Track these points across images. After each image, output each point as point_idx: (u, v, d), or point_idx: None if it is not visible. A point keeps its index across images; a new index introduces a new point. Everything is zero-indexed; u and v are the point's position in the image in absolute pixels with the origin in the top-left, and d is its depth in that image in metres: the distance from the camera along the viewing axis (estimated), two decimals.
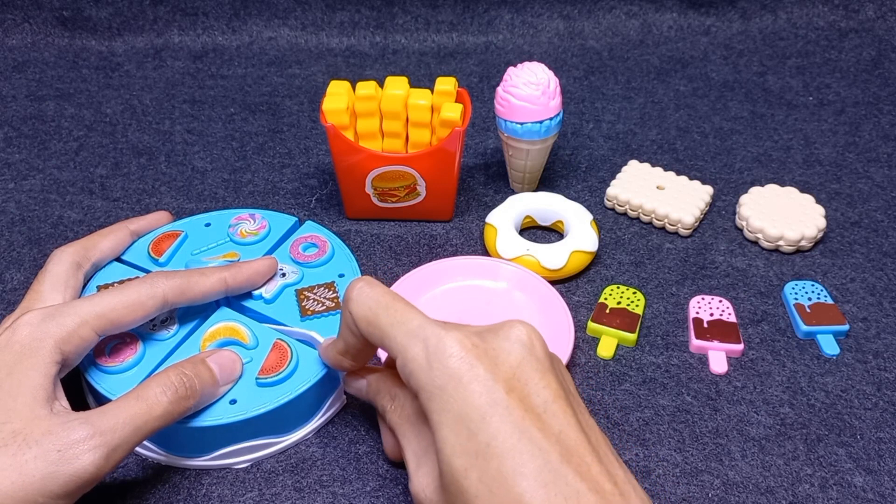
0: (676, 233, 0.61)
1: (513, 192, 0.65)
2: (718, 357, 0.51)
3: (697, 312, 0.53)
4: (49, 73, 0.83)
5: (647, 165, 0.66)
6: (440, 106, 0.58)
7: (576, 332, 0.52)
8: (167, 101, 0.78)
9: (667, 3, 0.90)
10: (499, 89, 0.60)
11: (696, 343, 0.51)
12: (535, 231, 0.62)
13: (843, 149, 0.72)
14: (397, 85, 0.59)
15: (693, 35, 0.89)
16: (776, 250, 0.60)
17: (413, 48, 0.87)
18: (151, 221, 0.53)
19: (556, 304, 0.52)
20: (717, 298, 0.54)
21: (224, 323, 0.46)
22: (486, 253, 0.59)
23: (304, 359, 0.45)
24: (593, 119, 0.76)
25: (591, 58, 0.86)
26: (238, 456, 0.44)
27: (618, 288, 0.55)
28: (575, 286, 0.57)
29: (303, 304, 0.48)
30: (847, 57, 0.86)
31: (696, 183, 0.64)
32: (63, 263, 0.46)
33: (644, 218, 0.62)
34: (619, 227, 0.62)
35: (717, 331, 0.52)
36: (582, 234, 0.57)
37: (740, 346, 0.51)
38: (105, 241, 0.50)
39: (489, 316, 0.53)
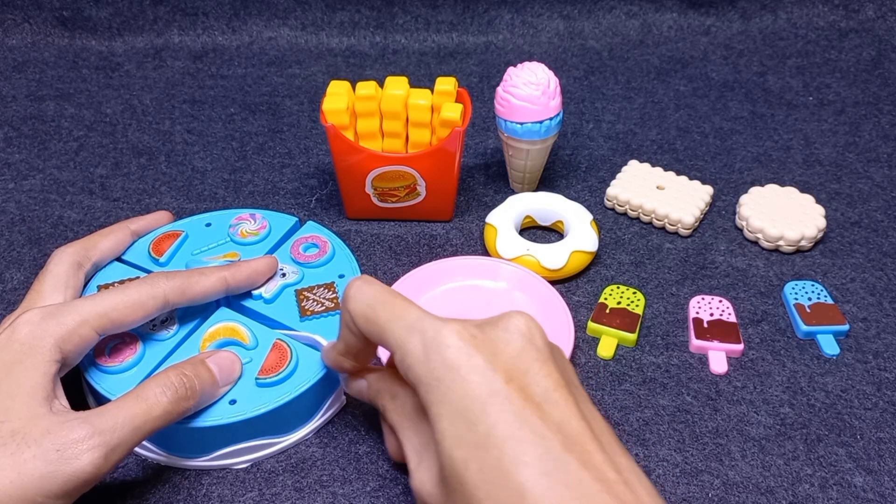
0: (676, 233, 0.61)
1: (513, 192, 0.65)
2: (718, 357, 0.51)
3: (697, 312, 0.53)
4: (49, 73, 0.83)
5: (647, 165, 0.66)
6: (440, 106, 0.58)
7: (576, 332, 0.52)
8: (167, 101, 0.78)
9: (667, 3, 0.90)
10: (499, 89, 0.60)
11: (696, 343, 0.51)
12: (535, 231, 0.62)
13: (843, 149, 0.72)
14: (397, 85, 0.59)
15: (693, 35, 0.89)
16: (776, 250, 0.60)
17: (413, 48, 0.87)
18: (152, 221, 0.54)
19: (556, 305, 0.52)
20: (717, 298, 0.54)
21: (224, 323, 0.46)
22: (486, 253, 0.59)
23: (304, 359, 0.45)
24: (593, 119, 0.76)
25: (591, 58, 0.86)
26: (238, 456, 0.44)
27: (618, 288, 0.55)
28: (575, 286, 0.57)
29: (302, 304, 0.48)
30: (847, 57, 0.86)
31: (696, 183, 0.64)
32: (64, 263, 0.46)
33: (644, 218, 0.62)
34: (619, 227, 0.62)
35: (717, 331, 0.52)
36: (582, 234, 0.57)
37: (740, 346, 0.51)
38: (105, 241, 0.50)
39: (489, 316, 0.53)
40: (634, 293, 0.55)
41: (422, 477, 0.35)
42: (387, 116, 0.60)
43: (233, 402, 0.42)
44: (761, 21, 0.90)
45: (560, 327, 0.51)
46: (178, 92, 0.80)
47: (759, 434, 0.46)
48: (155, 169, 0.68)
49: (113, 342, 0.44)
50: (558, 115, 0.59)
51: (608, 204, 0.64)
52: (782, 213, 0.60)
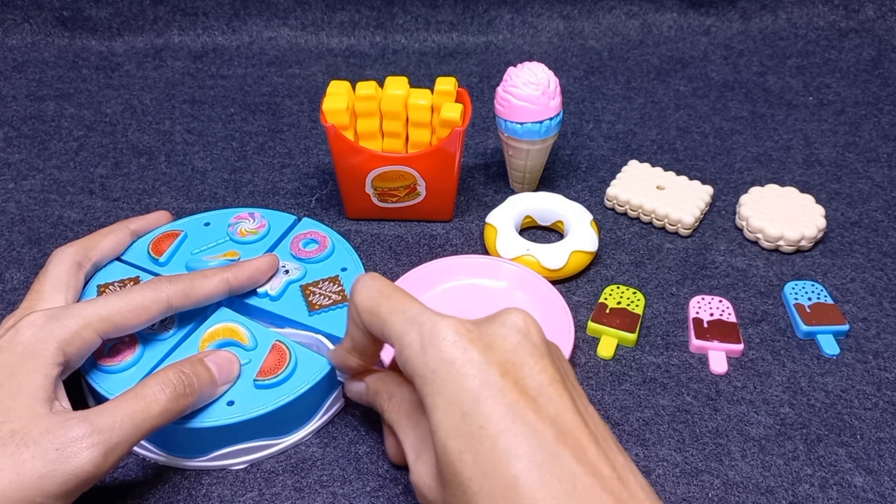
0: (676, 233, 0.61)
1: (513, 192, 0.65)
2: (718, 357, 0.51)
3: (697, 312, 0.53)
4: (49, 73, 0.83)
5: (647, 165, 0.66)
6: (440, 106, 0.58)
7: (576, 332, 0.52)
8: (167, 101, 0.78)
9: (667, 3, 0.90)
10: (499, 89, 0.60)
11: (696, 343, 0.51)
12: (535, 231, 0.62)
13: (843, 149, 0.72)
14: (397, 85, 0.59)
15: (693, 35, 0.89)
16: (776, 250, 0.60)
17: (413, 48, 0.87)
18: (151, 221, 0.54)
19: (556, 304, 0.52)
20: (717, 298, 0.54)
21: (223, 324, 0.46)
22: (485, 253, 0.59)
23: (303, 361, 0.45)
24: (593, 119, 0.76)
25: (591, 58, 0.86)
26: (236, 457, 0.44)
27: (618, 288, 0.55)
28: (575, 286, 0.57)
29: (309, 298, 0.48)
30: (847, 57, 0.86)
31: (696, 183, 0.64)
32: (64, 264, 0.46)
33: (644, 218, 0.62)
34: (619, 227, 0.62)
35: (717, 331, 0.52)
36: (582, 234, 0.57)
37: (740, 346, 0.51)
38: (105, 240, 0.50)
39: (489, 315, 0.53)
40: (634, 293, 0.55)
41: (420, 470, 0.35)
42: (387, 116, 0.60)
43: (231, 403, 0.42)
44: (761, 21, 0.90)
45: (560, 327, 0.51)
46: (178, 92, 0.80)
47: (759, 434, 0.46)
48: (155, 169, 0.68)
49: (112, 342, 0.44)
50: (558, 115, 0.59)
51: (608, 204, 0.64)
52: (782, 213, 0.60)
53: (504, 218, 0.59)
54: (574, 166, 0.69)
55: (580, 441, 0.31)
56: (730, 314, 0.53)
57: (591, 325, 0.53)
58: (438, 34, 0.88)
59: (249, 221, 0.54)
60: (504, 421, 0.31)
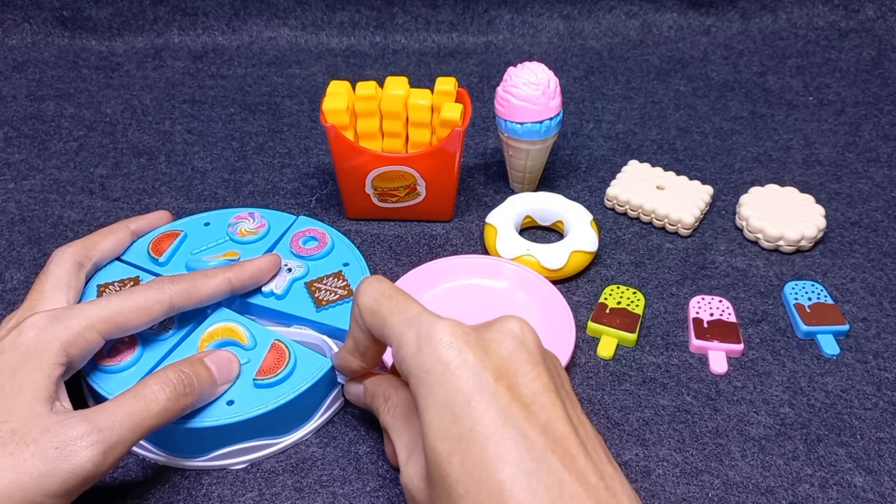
0: (676, 233, 0.61)
1: (513, 192, 0.65)
2: (718, 357, 0.51)
3: (697, 312, 0.53)
4: (49, 73, 0.83)
5: (647, 165, 0.66)
6: (440, 106, 0.58)
7: (576, 332, 0.52)
8: (167, 101, 0.78)
9: (667, 3, 0.90)
10: (499, 89, 0.60)
11: (696, 343, 0.51)
12: (535, 231, 0.62)
13: (843, 149, 0.72)
14: (397, 85, 0.59)
15: (693, 35, 0.89)
16: (776, 250, 0.60)
17: (413, 48, 0.87)
18: (151, 221, 0.54)
19: (557, 304, 0.52)
20: (717, 298, 0.54)
21: (222, 323, 0.46)
22: (486, 253, 0.59)
23: (302, 360, 0.45)
24: (593, 119, 0.76)
25: (591, 58, 0.86)
26: (236, 457, 0.44)
27: (618, 288, 0.55)
28: (575, 286, 0.57)
29: (316, 295, 0.49)
30: (847, 57, 0.86)
31: (696, 183, 0.64)
32: (65, 264, 0.46)
33: (644, 218, 0.62)
34: (619, 227, 0.62)
35: (717, 331, 0.52)
36: (582, 234, 0.57)
37: (740, 346, 0.51)
38: (106, 240, 0.50)
39: (490, 315, 0.53)
40: (634, 293, 0.55)
41: (409, 471, 0.35)
42: (387, 116, 0.60)
43: (230, 402, 0.42)
44: (761, 21, 0.90)
45: (561, 327, 0.51)
46: (178, 92, 0.80)
47: (759, 434, 0.46)
48: (155, 169, 0.68)
49: (111, 342, 0.44)
50: (558, 115, 0.59)
51: (608, 204, 0.64)
52: (782, 213, 0.60)
53: (504, 218, 0.59)
54: (574, 166, 0.69)
55: (570, 450, 0.31)
56: (730, 314, 0.53)
57: (591, 325, 0.53)
58: (438, 34, 0.88)
59: (249, 221, 0.54)
60: (494, 425, 0.31)
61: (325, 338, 0.46)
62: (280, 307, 0.48)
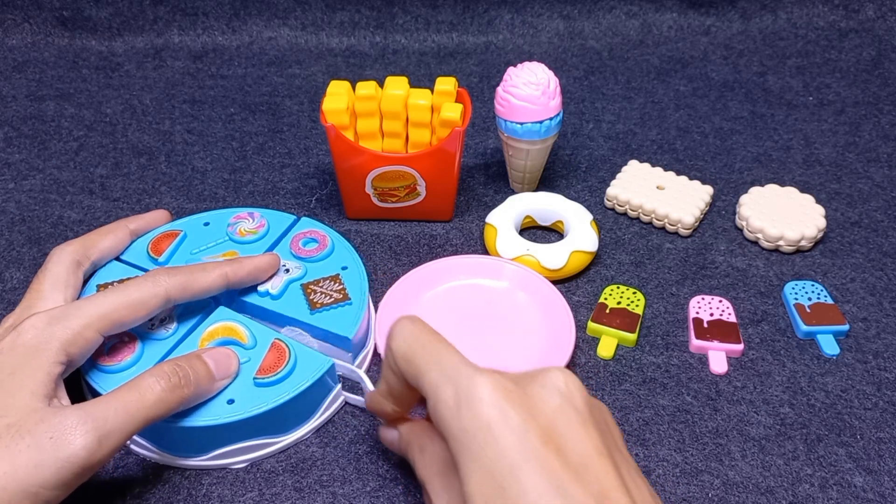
0: (676, 233, 0.61)
1: (513, 192, 0.65)
2: (718, 357, 0.51)
3: (697, 312, 0.53)
4: (49, 73, 0.83)
5: (647, 165, 0.66)
6: (440, 106, 0.58)
7: (576, 332, 0.52)
8: (167, 101, 0.78)
9: (667, 3, 0.90)
10: (499, 89, 0.59)
11: (696, 343, 0.51)
12: (535, 231, 0.62)
13: (843, 149, 0.72)
14: (397, 85, 0.59)
15: (693, 35, 0.89)
16: (776, 250, 0.60)
17: (413, 48, 0.87)
18: (150, 220, 0.53)
19: (557, 304, 0.52)
20: (717, 298, 0.54)
21: (222, 323, 0.46)
22: (486, 253, 0.59)
23: (302, 359, 0.45)
24: (593, 119, 0.76)
25: (591, 58, 0.86)
26: (236, 456, 0.44)
27: (618, 288, 0.55)
28: (575, 286, 0.57)
29: (310, 297, 0.49)
30: (847, 57, 0.86)
31: (696, 183, 0.64)
32: (63, 262, 0.46)
33: (644, 218, 0.62)
34: (619, 227, 0.62)
35: (717, 331, 0.52)
36: (582, 234, 0.57)
37: (740, 346, 0.51)
38: (105, 240, 0.50)
39: (490, 315, 0.53)
40: (634, 293, 0.55)
41: None
42: (387, 116, 0.60)
43: (231, 401, 0.42)
44: (761, 21, 0.90)
45: (561, 327, 0.51)
46: (178, 92, 0.80)
47: (759, 434, 0.46)
48: (155, 169, 0.68)
49: (111, 341, 0.44)
50: (558, 115, 0.59)
51: (608, 204, 0.64)
52: (782, 213, 0.60)
53: (504, 218, 0.59)
54: (574, 166, 0.69)
55: None
56: (730, 314, 0.53)
57: (591, 325, 0.53)
58: (438, 34, 0.88)
59: (249, 221, 0.54)
60: (544, 496, 0.28)
61: (361, 373, 0.45)
62: (274, 307, 0.48)
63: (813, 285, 0.55)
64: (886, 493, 0.43)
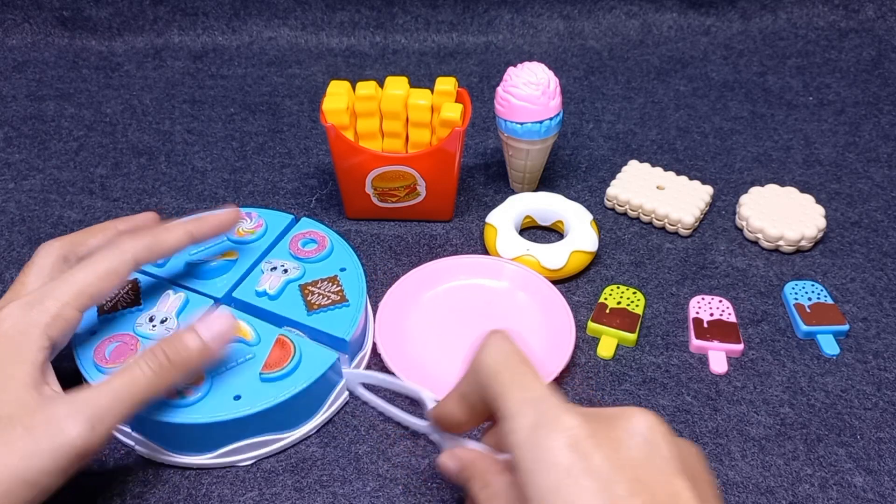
0: (676, 233, 0.61)
1: (513, 192, 0.65)
2: (718, 357, 0.51)
3: (697, 312, 0.53)
4: (49, 73, 0.83)
5: (647, 165, 0.66)
6: (440, 106, 0.58)
7: (576, 332, 0.52)
8: (167, 101, 0.78)
9: (667, 3, 0.90)
10: (499, 89, 0.60)
11: (696, 343, 0.51)
12: (535, 231, 0.62)
13: (843, 149, 0.72)
14: (397, 85, 0.59)
15: (693, 35, 0.89)
16: (776, 250, 0.60)
17: (413, 48, 0.87)
18: (138, 222, 0.53)
19: (557, 305, 0.52)
20: (717, 298, 0.54)
21: None
22: (486, 253, 0.59)
23: (308, 354, 0.45)
24: (593, 119, 0.76)
25: (591, 58, 0.86)
26: (242, 453, 0.44)
27: (618, 288, 0.55)
28: (575, 286, 0.57)
29: (308, 298, 0.49)
30: (847, 57, 0.86)
31: (696, 183, 0.64)
32: (50, 256, 0.46)
33: (644, 218, 0.62)
34: (619, 227, 0.62)
35: (717, 331, 0.52)
36: (582, 234, 0.57)
37: (740, 346, 0.51)
38: (94, 239, 0.49)
39: (490, 316, 0.53)
40: (634, 293, 0.55)
41: None
42: (387, 116, 0.60)
43: (237, 397, 0.43)
44: (761, 21, 0.90)
45: (561, 327, 0.51)
46: (178, 92, 0.80)
47: (759, 434, 0.46)
48: (155, 169, 0.68)
49: (113, 344, 0.45)
50: (558, 115, 0.59)
51: (608, 204, 0.64)
52: (782, 213, 0.60)
53: (504, 218, 0.59)
54: (574, 166, 0.69)
55: None
56: (730, 314, 0.53)
57: (591, 325, 0.53)
58: (438, 34, 0.88)
59: (247, 221, 0.54)
60: None
61: (422, 390, 0.44)
62: (271, 307, 0.48)
63: (813, 285, 0.55)
64: (886, 493, 0.43)
